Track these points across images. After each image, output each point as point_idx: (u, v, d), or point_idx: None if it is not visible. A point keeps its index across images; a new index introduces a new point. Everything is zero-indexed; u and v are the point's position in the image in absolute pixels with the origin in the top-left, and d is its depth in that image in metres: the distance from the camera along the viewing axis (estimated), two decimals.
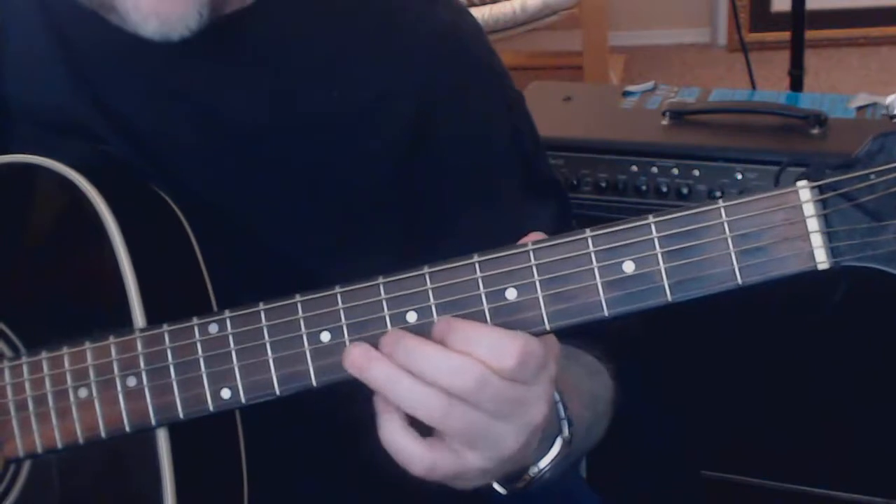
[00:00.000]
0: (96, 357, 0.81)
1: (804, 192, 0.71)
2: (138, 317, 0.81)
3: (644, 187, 1.53)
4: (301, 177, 0.94)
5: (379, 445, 0.77)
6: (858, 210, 0.70)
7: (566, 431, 0.82)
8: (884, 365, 1.54)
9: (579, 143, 1.56)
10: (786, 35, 2.42)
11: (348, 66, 0.94)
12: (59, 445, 0.82)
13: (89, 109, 0.93)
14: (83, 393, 0.81)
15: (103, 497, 0.85)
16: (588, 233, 0.73)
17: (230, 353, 0.78)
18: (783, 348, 1.58)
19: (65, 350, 0.82)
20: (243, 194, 0.93)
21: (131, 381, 0.80)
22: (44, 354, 0.83)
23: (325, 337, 0.76)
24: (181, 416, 0.79)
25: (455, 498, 0.82)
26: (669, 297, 0.72)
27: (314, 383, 0.77)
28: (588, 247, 0.73)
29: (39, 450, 0.83)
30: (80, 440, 0.82)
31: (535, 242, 0.74)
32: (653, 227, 0.72)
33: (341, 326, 0.76)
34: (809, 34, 2.41)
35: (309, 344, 0.76)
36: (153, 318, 0.81)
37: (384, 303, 0.75)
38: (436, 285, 0.74)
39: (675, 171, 1.52)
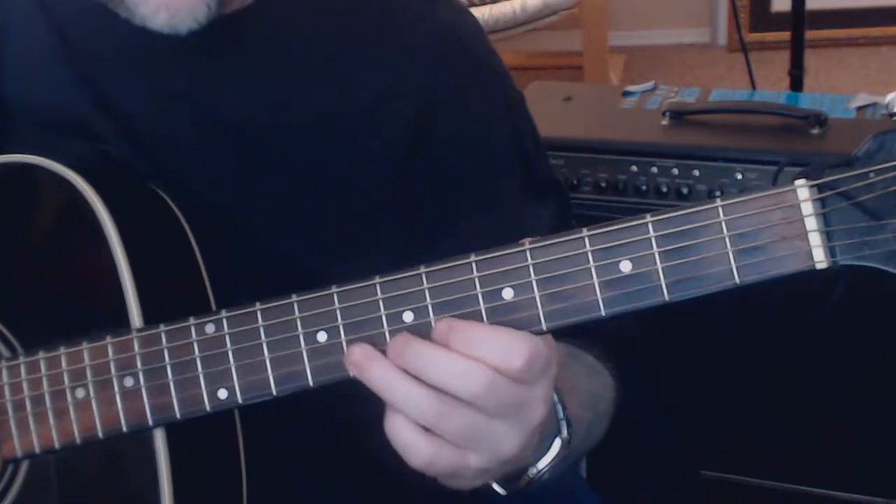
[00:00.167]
0: (93, 357, 0.81)
1: (802, 191, 0.70)
2: (135, 317, 0.81)
3: (644, 187, 1.53)
4: (301, 176, 0.94)
5: (377, 446, 0.77)
6: (857, 209, 0.70)
7: (565, 432, 0.82)
8: (883, 364, 1.54)
9: (579, 143, 1.57)
10: (786, 35, 2.42)
11: (348, 66, 0.94)
12: (57, 446, 0.82)
13: (89, 109, 0.93)
14: (80, 393, 0.81)
15: (101, 497, 0.85)
16: (585, 232, 0.73)
17: (227, 353, 0.78)
18: (782, 348, 1.58)
19: (62, 350, 0.82)
20: (243, 194, 0.93)
21: (128, 382, 0.80)
22: (41, 354, 0.83)
23: (322, 337, 0.76)
24: (178, 416, 0.79)
25: (454, 498, 0.82)
26: (667, 297, 0.72)
27: (311, 383, 0.77)
28: (585, 246, 0.73)
29: (37, 450, 0.83)
30: (78, 440, 0.82)
31: (531, 242, 0.74)
32: (650, 226, 0.72)
33: (338, 326, 0.76)
34: (809, 34, 2.41)
35: (305, 344, 0.76)
36: (150, 319, 0.81)
37: (380, 302, 0.75)
38: (432, 285, 0.74)
39: (675, 171, 1.52)
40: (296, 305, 0.76)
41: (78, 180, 0.84)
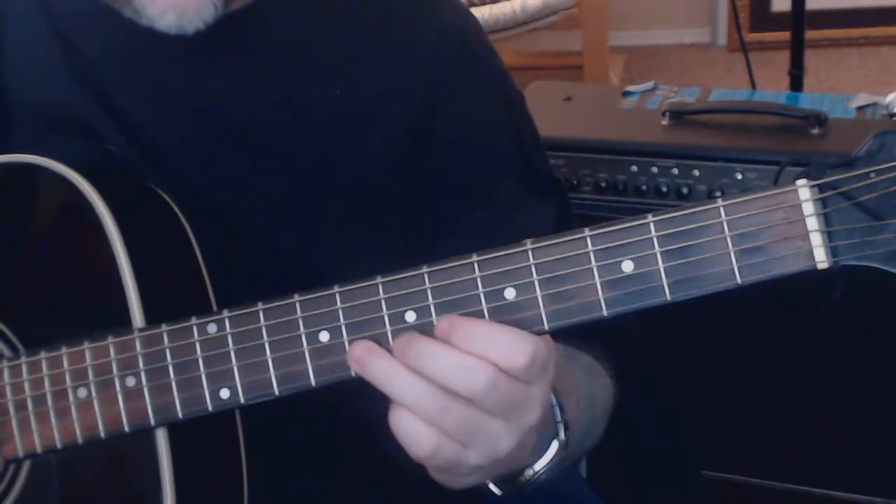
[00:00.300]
0: (95, 357, 0.81)
1: (804, 191, 0.70)
2: (137, 317, 0.81)
3: (644, 187, 1.53)
4: (302, 176, 0.94)
5: (378, 445, 0.77)
6: (858, 209, 0.70)
7: (562, 434, 0.82)
8: (883, 364, 1.54)
9: (579, 143, 1.57)
10: (786, 35, 2.42)
11: (349, 66, 0.94)
12: (59, 445, 0.82)
13: (90, 108, 0.93)
14: (82, 393, 0.81)
15: (102, 497, 0.85)
16: (587, 232, 0.73)
17: (229, 353, 0.78)
18: (783, 348, 1.58)
19: (64, 350, 0.82)
20: (243, 193, 0.93)
21: (130, 381, 0.80)
22: (43, 354, 0.83)
23: (324, 337, 0.76)
24: (180, 416, 0.79)
25: (455, 498, 0.82)
26: (668, 297, 0.72)
27: (313, 383, 0.77)
28: (587, 246, 0.73)
29: (39, 450, 0.83)
30: (80, 440, 0.82)
31: (533, 242, 0.74)
32: (652, 226, 0.72)
33: (340, 326, 0.76)
34: (809, 34, 2.41)
35: (308, 344, 0.76)
36: (152, 318, 0.81)
37: (383, 302, 0.75)
38: (434, 285, 0.74)
39: (675, 171, 1.52)
40: (298, 305, 0.76)
41: (79, 180, 0.84)
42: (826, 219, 0.70)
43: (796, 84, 2.42)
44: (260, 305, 0.77)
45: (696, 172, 1.51)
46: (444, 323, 0.73)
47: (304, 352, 0.76)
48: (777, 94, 1.75)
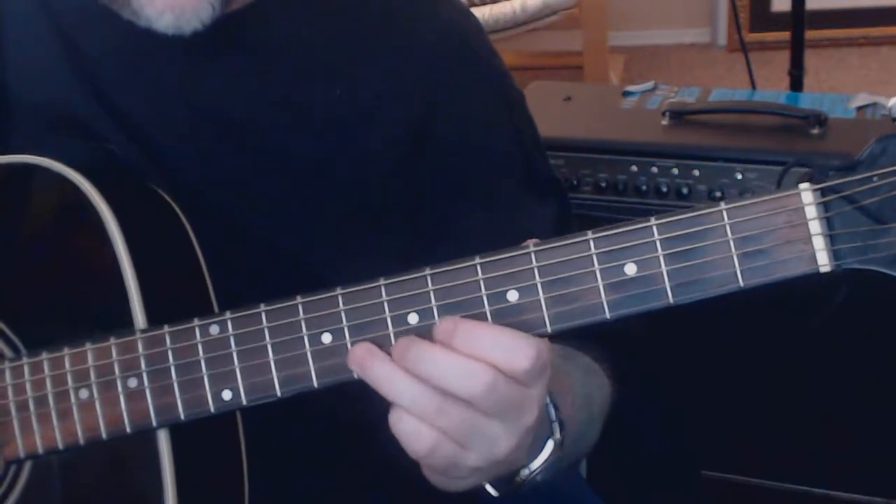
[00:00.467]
0: (97, 358, 0.81)
1: (806, 194, 0.70)
2: (139, 318, 0.81)
3: (644, 187, 1.53)
4: (302, 176, 0.94)
5: (379, 445, 0.77)
6: (861, 213, 0.70)
7: (558, 434, 0.82)
8: (885, 367, 1.54)
9: (579, 143, 1.56)
10: (786, 35, 2.42)
11: (349, 65, 0.94)
12: (60, 446, 0.82)
13: (91, 107, 0.93)
14: (84, 394, 0.81)
15: (104, 498, 0.85)
16: (590, 235, 0.73)
17: (231, 354, 0.78)
18: (784, 350, 1.58)
19: (66, 351, 0.82)
20: (244, 193, 0.93)
21: (132, 383, 0.80)
22: (45, 355, 0.83)
23: (327, 338, 0.76)
24: (182, 417, 0.79)
25: (455, 498, 0.82)
26: (671, 300, 0.72)
27: (315, 385, 0.77)
28: (590, 249, 0.73)
29: (40, 451, 0.83)
30: (81, 441, 0.82)
31: (536, 244, 0.74)
32: (654, 229, 0.72)
33: (342, 328, 0.76)
34: (809, 34, 2.41)
35: (310, 345, 0.76)
36: (154, 319, 0.81)
37: (385, 304, 0.75)
38: (437, 287, 0.74)
39: (675, 171, 1.52)
40: (300, 307, 0.76)
41: (81, 180, 0.84)
42: (829, 222, 0.70)
43: (796, 84, 2.42)
44: (262, 307, 0.77)
45: (696, 172, 1.51)
46: (447, 324, 0.73)
47: (306, 353, 0.76)
48: (777, 94, 1.74)
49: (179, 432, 0.81)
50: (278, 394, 0.77)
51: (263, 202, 0.94)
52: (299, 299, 0.76)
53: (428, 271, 0.74)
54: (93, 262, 0.85)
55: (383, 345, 0.75)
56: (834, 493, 1.64)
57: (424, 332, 0.74)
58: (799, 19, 2.35)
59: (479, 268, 0.74)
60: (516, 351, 0.72)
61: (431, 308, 0.74)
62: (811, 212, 0.70)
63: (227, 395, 0.78)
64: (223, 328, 0.78)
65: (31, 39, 0.94)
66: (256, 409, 0.79)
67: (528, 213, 0.99)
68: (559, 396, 0.82)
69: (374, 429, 0.77)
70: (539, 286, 0.73)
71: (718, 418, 1.62)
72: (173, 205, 0.88)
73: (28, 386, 0.83)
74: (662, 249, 0.72)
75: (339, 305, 0.76)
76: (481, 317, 0.74)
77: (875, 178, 0.69)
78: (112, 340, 0.81)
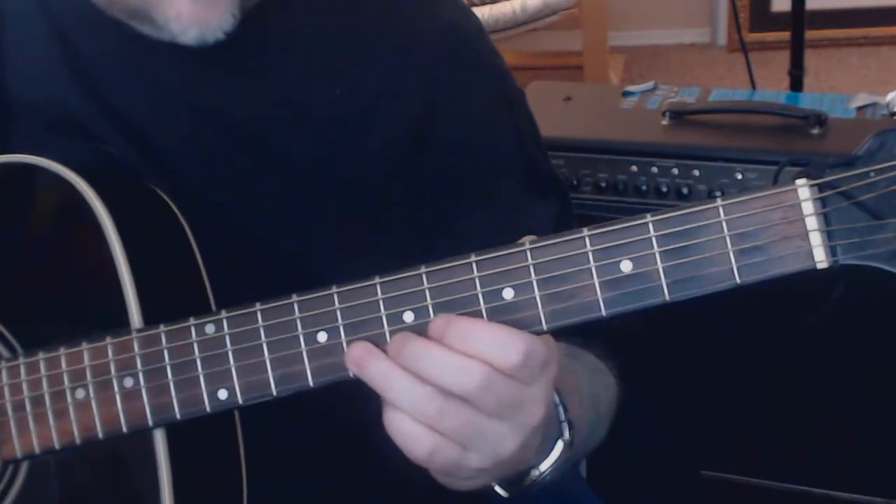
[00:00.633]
0: (93, 358, 0.81)
1: (803, 190, 0.70)
2: (135, 317, 0.81)
3: (644, 187, 1.53)
4: (301, 175, 0.94)
5: (377, 444, 0.76)
6: (858, 208, 0.69)
7: (567, 434, 0.81)
8: (883, 364, 1.54)
9: (579, 143, 1.56)
10: (786, 35, 2.42)
11: (349, 65, 0.94)
12: (57, 446, 0.82)
13: (90, 108, 0.93)
14: (80, 394, 0.81)
15: (101, 498, 0.85)
16: (585, 232, 0.72)
17: (227, 353, 0.78)
18: (782, 348, 1.58)
19: (62, 351, 0.82)
20: (243, 193, 0.93)
21: (128, 382, 0.80)
22: (41, 355, 0.83)
23: (322, 337, 0.76)
24: (178, 416, 0.79)
25: (456, 498, 0.82)
26: (667, 297, 0.72)
27: (311, 384, 0.77)
28: (585, 246, 0.72)
29: (37, 451, 0.83)
30: (78, 441, 0.82)
31: (532, 242, 0.74)
32: (650, 226, 0.72)
33: (338, 327, 0.75)
34: (809, 34, 2.41)
35: (306, 344, 0.76)
36: (150, 319, 0.81)
37: (381, 303, 0.75)
38: (432, 285, 0.74)
39: (675, 171, 1.52)
40: (296, 306, 0.76)
41: (77, 181, 0.84)
42: (825, 218, 0.70)
43: (796, 84, 2.42)
44: (258, 306, 0.77)
45: (696, 172, 1.51)
46: (439, 321, 0.73)
47: (302, 352, 0.76)
48: (777, 94, 1.74)
49: (176, 432, 0.81)
50: (274, 393, 0.77)
51: (263, 202, 0.94)
52: (294, 298, 0.76)
53: (423, 269, 0.74)
54: (89, 262, 0.85)
55: (379, 344, 0.75)
56: (834, 493, 1.64)
57: (420, 331, 0.74)
58: (799, 19, 2.35)
59: (474, 265, 0.74)
60: (508, 346, 0.72)
61: (427, 306, 0.74)
62: (808, 208, 0.70)
63: (222, 394, 0.78)
64: (219, 327, 0.78)
65: (30, 40, 0.95)
66: (253, 408, 0.79)
67: (528, 212, 0.99)
68: (567, 395, 0.82)
69: (372, 428, 0.76)
70: (534, 284, 0.73)
71: (717, 417, 1.62)
72: (171, 205, 0.88)
73: (24, 386, 0.83)
74: (658, 246, 0.72)
75: (334, 304, 0.75)
76: (477, 315, 0.74)
77: (872, 174, 0.69)
78: (108, 340, 0.81)
